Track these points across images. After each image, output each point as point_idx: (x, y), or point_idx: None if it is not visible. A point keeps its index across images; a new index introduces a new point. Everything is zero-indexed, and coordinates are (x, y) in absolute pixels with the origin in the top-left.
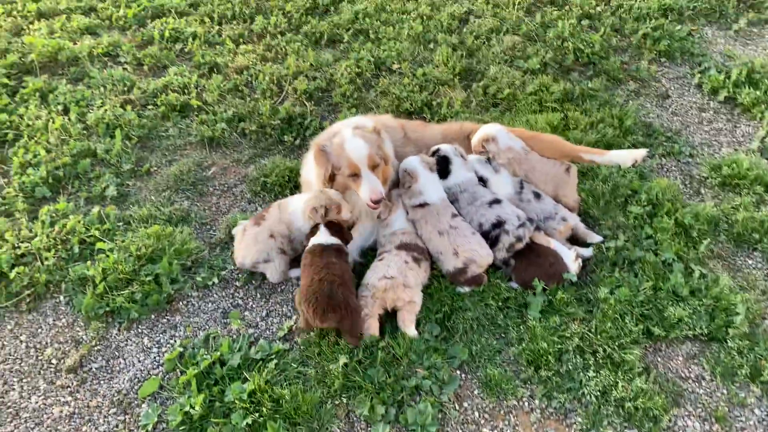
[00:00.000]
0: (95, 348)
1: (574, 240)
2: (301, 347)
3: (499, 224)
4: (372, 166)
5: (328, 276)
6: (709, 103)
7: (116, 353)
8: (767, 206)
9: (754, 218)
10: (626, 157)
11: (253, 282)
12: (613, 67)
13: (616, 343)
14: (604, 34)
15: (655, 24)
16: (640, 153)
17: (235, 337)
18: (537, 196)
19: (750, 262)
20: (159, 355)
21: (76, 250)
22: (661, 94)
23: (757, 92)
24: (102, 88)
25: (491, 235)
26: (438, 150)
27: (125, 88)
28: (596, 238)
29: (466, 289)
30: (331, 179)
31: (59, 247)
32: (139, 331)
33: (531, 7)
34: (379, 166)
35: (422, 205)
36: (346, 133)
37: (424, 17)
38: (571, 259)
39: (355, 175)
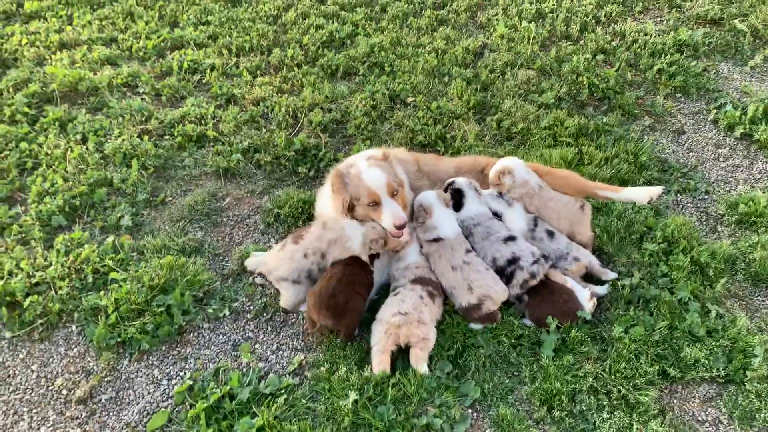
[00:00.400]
0: (106, 379)
1: (589, 277)
2: (311, 382)
3: (513, 260)
4: (391, 193)
5: (338, 275)
6: (725, 139)
7: (126, 384)
8: None
9: None
10: (642, 194)
11: (265, 314)
12: (628, 102)
13: (631, 384)
14: (619, 69)
15: (670, 59)
16: (656, 190)
17: (245, 370)
18: (550, 234)
19: None
20: (169, 388)
21: (90, 279)
22: (676, 129)
23: None
24: (120, 118)
25: (506, 272)
26: (452, 183)
27: (143, 119)
28: (611, 275)
29: (479, 325)
30: (350, 210)
31: (73, 276)
32: (150, 362)
33: (546, 42)
34: (397, 193)
35: (436, 240)
36: (361, 164)
37: (439, 51)
38: (586, 297)
39: (376, 204)
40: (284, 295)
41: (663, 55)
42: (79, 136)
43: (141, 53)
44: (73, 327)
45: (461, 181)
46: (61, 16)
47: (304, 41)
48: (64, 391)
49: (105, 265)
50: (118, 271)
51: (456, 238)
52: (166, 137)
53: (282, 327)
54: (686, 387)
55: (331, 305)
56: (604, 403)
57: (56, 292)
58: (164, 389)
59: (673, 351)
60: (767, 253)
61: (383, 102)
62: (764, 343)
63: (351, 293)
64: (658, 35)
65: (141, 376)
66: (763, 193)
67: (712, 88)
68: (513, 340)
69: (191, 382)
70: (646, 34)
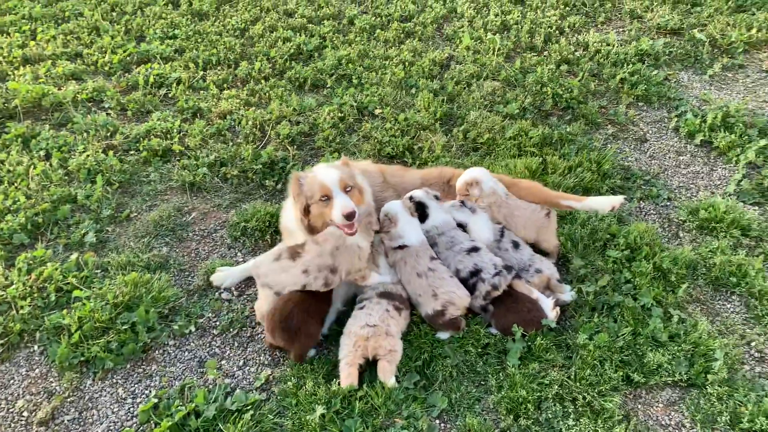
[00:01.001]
0: (68, 399)
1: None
2: (278, 397)
3: (476, 272)
4: (344, 188)
5: (296, 299)
6: (686, 146)
7: (90, 404)
8: (744, 250)
9: (731, 262)
10: (604, 203)
11: (231, 330)
12: (591, 111)
13: (596, 390)
14: (582, 79)
15: (632, 69)
16: (618, 199)
17: (211, 387)
18: (516, 245)
19: (728, 306)
20: (133, 407)
21: (53, 298)
22: (638, 138)
23: (733, 136)
24: (85, 134)
25: (468, 283)
26: (411, 197)
27: (108, 134)
28: (566, 296)
29: (446, 335)
30: (306, 212)
31: (35, 295)
32: (114, 381)
33: (510, 53)
34: (351, 189)
35: (401, 247)
36: (317, 167)
37: (406, 63)
38: (550, 307)
39: (328, 198)
40: (260, 302)
41: (625, 65)
42: (42, 153)
43: (106, 68)
44: (35, 347)
45: (419, 194)
46: (24, 31)
47: (271, 54)
48: (26, 413)
49: (68, 283)
50: (81, 289)
51: (421, 245)
52: (132, 152)
53: (249, 342)
54: (650, 392)
55: (285, 327)
56: (570, 410)
57: (18, 312)
58: (129, 408)
59: (636, 357)
60: (727, 258)
61: (351, 114)
62: (724, 347)
63: (306, 318)
64: (621, 45)
65: (105, 396)
66: (723, 199)
67: (673, 97)
68: (479, 349)
69: (156, 401)
70: (608, 45)
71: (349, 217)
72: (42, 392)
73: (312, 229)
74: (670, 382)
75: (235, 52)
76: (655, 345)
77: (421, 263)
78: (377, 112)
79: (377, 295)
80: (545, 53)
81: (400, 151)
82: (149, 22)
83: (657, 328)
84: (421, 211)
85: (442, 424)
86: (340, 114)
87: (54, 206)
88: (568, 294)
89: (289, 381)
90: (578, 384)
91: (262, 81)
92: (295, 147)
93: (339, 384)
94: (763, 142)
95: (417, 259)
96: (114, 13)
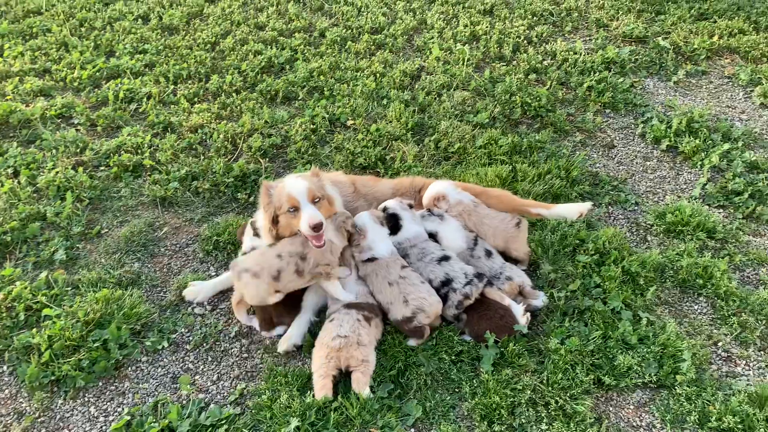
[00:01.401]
0: (39, 420)
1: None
2: (253, 411)
3: (447, 282)
4: (312, 198)
5: None
6: (652, 152)
7: (61, 424)
8: (710, 252)
9: (698, 264)
10: (572, 210)
11: (204, 345)
12: (559, 119)
13: (568, 394)
14: (550, 88)
15: (599, 77)
16: (586, 206)
17: (184, 403)
18: (488, 254)
19: (696, 307)
20: (106, 425)
21: (22, 317)
22: (606, 144)
23: (697, 141)
24: (54, 150)
25: (440, 293)
26: (386, 208)
27: (78, 150)
28: (538, 302)
29: (415, 342)
30: (274, 222)
31: (4, 314)
32: (86, 399)
33: (480, 63)
34: (320, 201)
35: (371, 260)
36: (287, 177)
37: (378, 75)
38: (520, 313)
39: (296, 209)
40: (248, 291)
41: (592, 73)
42: (10, 170)
43: (76, 83)
44: (5, 367)
45: (393, 204)
46: None
47: (242, 67)
48: None
49: (38, 302)
50: (51, 307)
51: (391, 256)
52: (102, 168)
53: (223, 357)
54: (621, 394)
55: None
56: (543, 414)
57: None
58: (101, 427)
59: (607, 359)
60: (693, 261)
61: (323, 125)
62: (692, 348)
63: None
64: (587, 54)
65: (76, 415)
66: (689, 202)
67: (639, 103)
68: (453, 357)
69: (129, 418)
70: (575, 53)
71: (316, 228)
72: (12, 413)
73: (280, 240)
74: (640, 383)
75: (205, 66)
76: (625, 347)
77: (392, 272)
78: (349, 123)
79: (345, 306)
80: (514, 63)
81: (372, 161)
82: (119, 37)
83: (626, 330)
84: (394, 223)
85: None
86: (312, 126)
87: (23, 224)
88: (540, 300)
89: (264, 394)
90: (550, 388)
91: (234, 94)
92: (268, 159)
93: (313, 396)
94: (726, 146)
95: (388, 270)
96: (83, 29)
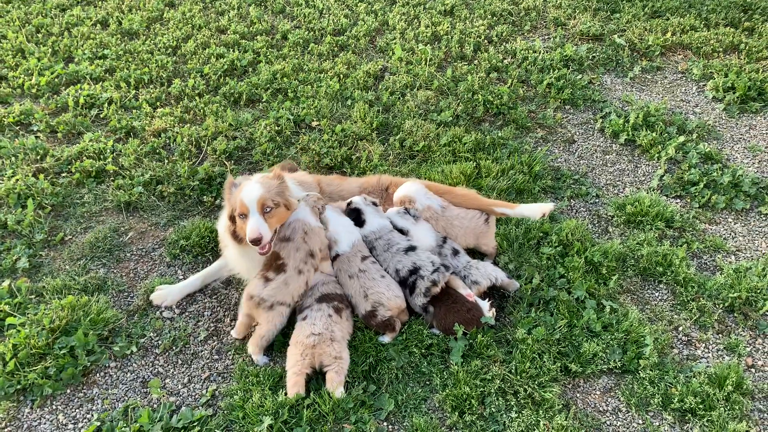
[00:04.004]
0: (6, 430)
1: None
2: (225, 412)
3: (414, 270)
4: (261, 208)
5: None
6: (611, 146)
7: None
8: (668, 240)
9: (657, 252)
10: (535, 210)
11: (174, 348)
12: (521, 116)
13: (536, 382)
14: (511, 86)
15: (558, 74)
16: (548, 206)
17: (155, 406)
18: (455, 252)
19: (656, 294)
20: None
21: None
22: (567, 139)
23: (654, 134)
24: (13, 158)
25: (408, 282)
26: (350, 203)
27: (38, 157)
28: (515, 285)
29: (387, 338)
30: (233, 220)
31: None
32: (54, 407)
33: (442, 63)
34: (271, 210)
35: (336, 257)
36: (249, 179)
37: (341, 75)
38: (486, 308)
39: (245, 216)
40: (264, 327)
41: (551, 71)
42: None
43: (34, 90)
44: None
45: (356, 200)
46: None
47: (205, 71)
48: None
49: (1, 311)
50: (15, 316)
51: (352, 250)
52: (64, 174)
53: (193, 359)
54: (587, 381)
55: None
56: (512, 403)
57: None
58: None
59: (573, 347)
60: (653, 249)
61: (288, 127)
62: (654, 333)
63: None
64: (546, 52)
65: (44, 423)
66: (647, 193)
67: (598, 99)
68: (423, 350)
69: (99, 424)
70: (535, 52)
71: (254, 242)
72: None
73: (236, 238)
74: (605, 369)
75: (167, 70)
76: (590, 335)
77: (353, 265)
78: (314, 124)
79: (316, 301)
80: (475, 62)
81: (338, 161)
82: (77, 42)
83: (591, 319)
84: (356, 216)
85: (390, 426)
86: (277, 127)
87: None
88: (515, 283)
89: (236, 395)
90: (519, 377)
91: (197, 98)
92: (233, 162)
93: (286, 394)
94: (681, 139)
95: (349, 263)
96: (39, 35)
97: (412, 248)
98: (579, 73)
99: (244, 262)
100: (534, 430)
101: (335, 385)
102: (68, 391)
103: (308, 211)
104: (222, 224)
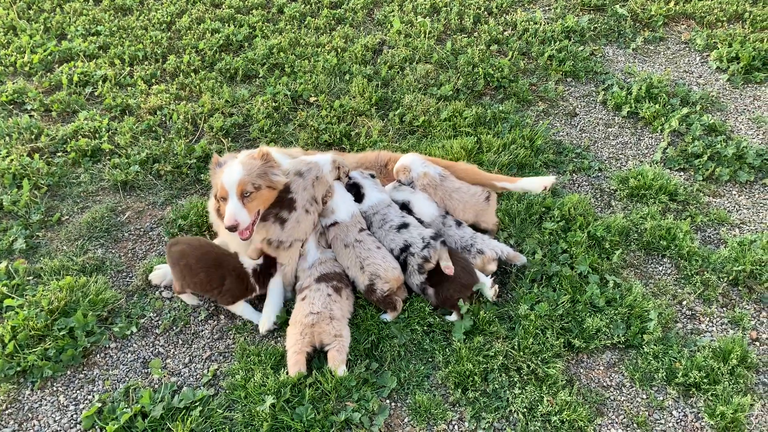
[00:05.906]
0: (6, 412)
1: (504, 262)
2: (227, 391)
3: (405, 248)
4: (241, 192)
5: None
6: (614, 118)
7: (30, 415)
8: (672, 214)
9: (661, 226)
10: (536, 183)
11: (174, 328)
12: (522, 89)
13: (539, 358)
14: (512, 58)
15: (559, 46)
16: (550, 180)
17: (156, 387)
18: (458, 224)
19: (660, 268)
20: (76, 413)
21: None
22: (568, 112)
23: (657, 106)
24: (7, 138)
25: (400, 260)
26: (349, 178)
27: (33, 136)
28: (522, 259)
29: (389, 317)
30: (218, 199)
31: None
32: (54, 389)
33: (441, 36)
34: (251, 194)
35: (334, 224)
36: (234, 158)
37: (339, 50)
38: (488, 285)
39: (224, 200)
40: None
41: (552, 42)
42: None
43: (27, 68)
44: None
45: (354, 174)
46: None
47: (200, 46)
48: None
49: None
50: (13, 298)
51: (351, 219)
52: (59, 154)
53: (194, 339)
54: (590, 356)
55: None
56: (515, 379)
57: None
58: (71, 415)
59: (576, 323)
60: (656, 223)
61: (285, 103)
62: (658, 308)
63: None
64: (547, 23)
65: (45, 405)
66: (650, 167)
67: (600, 71)
68: (425, 327)
69: (100, 405)
70: (535, 23)
71: (230, 230)
72: None
73: (220, 216)
74: (609, 344)
75: (162, 46)
76: (593, 310)
77: (350, 235)
78: (312, 99)
79: (315, 281)
80: (475, 34)
81: (337, 138)
82: (69, 19)
83: (594, 294)
84: (356, 191)
85: (393, 404)
86: (274, 104)
87: None
88: (523, 259)
89: (238, 374)
90: (522, 353)
91: (192, 74)
92: (230, 139)
93: (287, 373)
94: (685, 111)
95: (347, 233)
96: (31, 12)
97: (404, 225)
98: (580, 44)
99: (235, 239)
100: (538, 406)
101: (337, 364)
102: (68, 372)
103: (330, 166)
104: (211, 203)
